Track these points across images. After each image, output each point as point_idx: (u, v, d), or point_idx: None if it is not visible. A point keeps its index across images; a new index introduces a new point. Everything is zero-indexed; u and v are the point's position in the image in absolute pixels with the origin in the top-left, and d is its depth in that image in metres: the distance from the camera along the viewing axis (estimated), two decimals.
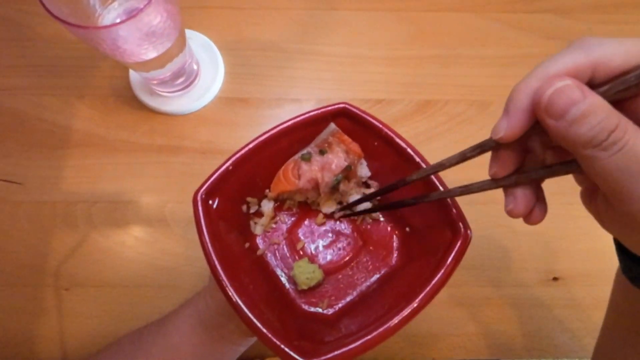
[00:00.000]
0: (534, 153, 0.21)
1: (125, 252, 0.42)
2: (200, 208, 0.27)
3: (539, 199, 0.21)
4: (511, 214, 0.21)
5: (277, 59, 0.49)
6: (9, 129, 0.46)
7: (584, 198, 0.21)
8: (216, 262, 0.25)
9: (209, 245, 0.26)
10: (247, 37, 0.50)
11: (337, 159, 0.30)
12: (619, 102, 0.17)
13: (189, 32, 0.48)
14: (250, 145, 0.30)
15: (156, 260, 0.42)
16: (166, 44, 0.37)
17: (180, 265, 0.42)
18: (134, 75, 0.47)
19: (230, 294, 0.25)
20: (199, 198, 0.27)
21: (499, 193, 0.22)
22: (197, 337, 0.32)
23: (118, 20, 0.31)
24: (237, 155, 0.29)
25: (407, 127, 0.46)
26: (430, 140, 0.46)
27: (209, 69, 0.48)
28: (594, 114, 0.16)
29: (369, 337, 0.23)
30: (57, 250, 0.42)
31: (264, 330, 0.24)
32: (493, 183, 0.21)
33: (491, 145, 0.20)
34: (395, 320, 0.23)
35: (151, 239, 0.43)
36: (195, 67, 0.47)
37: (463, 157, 0.22)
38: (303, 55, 0.49)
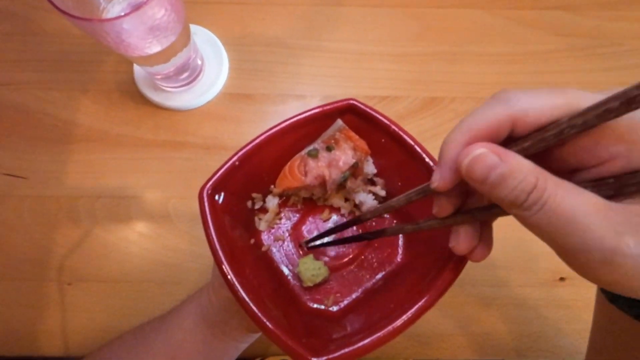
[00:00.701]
0: (478, 195, 0.22)
1: (129, 247, 0.42)
2: (206, 202, 0.27)
3: (484, 238, 0.22)
4: (453, 250, 0.22)
5: (282, 55, 0.49)
6: (14, 123, 0.46)
7: None
8: (222, 257, 0.25)
9: (215, 239, 0.26)
10: (252, 33, 0.50)
11: (344, 156, 0.30)
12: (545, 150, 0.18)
13: (193, 27, 0.48)
14: (257, 141, 0.29)
15: (159, 256, 0.42)
16: (170, 37, 0.37)
17: (183, 261, 0.42)
18: (138, 70, 0.47)
19: (237, 290, 0.24)
20: (205, 193, 0.27)
21: None
22: (200, 333, 0.32)
23: (122, 14, 0.31)
24: (244, 151, 0.29)
25: (412, 124, 0.46)
26: (435, 138, 0.45)
27: (214, 65, 0.48)
28: (511, 177, 0.16)
29: (378, 334, 0.22)
30: (61, 244, 0.42)
31: (272, 327, 0.23)
32: (440, 222, 0.22)
33: (431, 191, 0.21)
34: (404, 317, 0.23)
35: (154, 234, 0.42)
36: (199, 62, 0.46)
37: (409, 199, 0.24)
38: (308, 51, 0.49)
